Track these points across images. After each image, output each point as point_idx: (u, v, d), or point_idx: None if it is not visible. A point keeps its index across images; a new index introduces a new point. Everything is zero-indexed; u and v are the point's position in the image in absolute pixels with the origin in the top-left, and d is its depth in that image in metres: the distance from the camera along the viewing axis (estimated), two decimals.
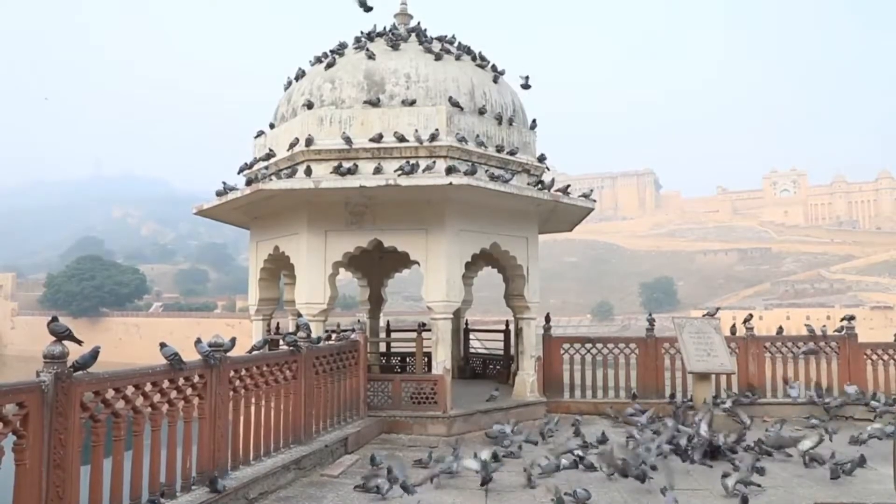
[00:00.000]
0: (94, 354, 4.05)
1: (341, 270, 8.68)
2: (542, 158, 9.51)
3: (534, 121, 9.68)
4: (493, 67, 9.51)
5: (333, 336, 7.95)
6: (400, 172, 7.68)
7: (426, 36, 9.34)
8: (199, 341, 5.17)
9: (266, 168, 8.99)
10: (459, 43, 9.59)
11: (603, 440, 7.46)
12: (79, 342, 4.11)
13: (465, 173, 7.85)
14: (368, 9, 9.36)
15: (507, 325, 10.96)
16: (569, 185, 9.47)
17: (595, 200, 10.06)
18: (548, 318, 10.27)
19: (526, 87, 9.63)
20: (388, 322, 12.77)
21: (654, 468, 5.96)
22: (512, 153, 8.90)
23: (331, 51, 9.28)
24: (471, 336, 12.13)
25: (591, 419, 9.13)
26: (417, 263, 8.42)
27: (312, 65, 9.46)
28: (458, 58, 9.16)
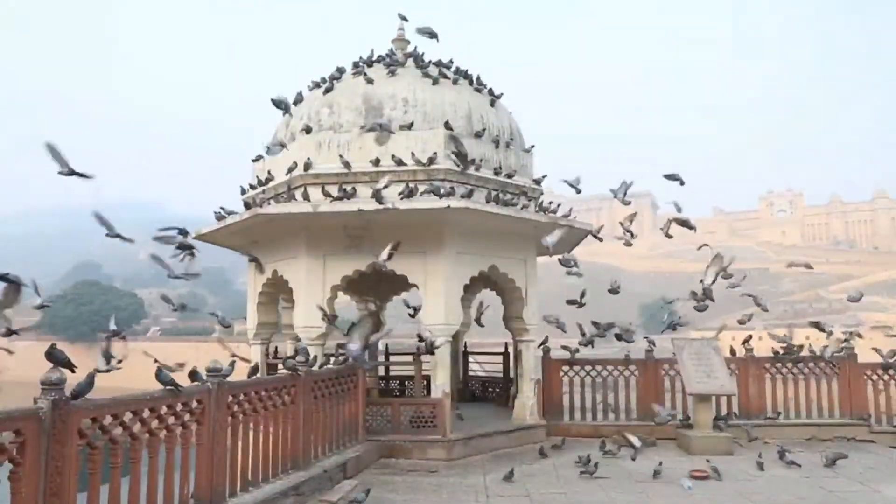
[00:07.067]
0: (90, 381, 4.01)
1: (340, 294, 8.68)
2: (539, 181, 9.55)
3: (532, 146, 9.75)
4: (491, 91, 9.59)
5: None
6: (402, 195, 7.70)
7: (423, 61, 9.43)
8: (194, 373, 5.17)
9: (264, 192, 9.02)
10: (457, 67, 9.66)
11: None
12: (73, 369, 4.08)
13: (463, 196, 7.89)
14: None
15: (506, 348, 10.91)
16: (570, 211, 9.51)
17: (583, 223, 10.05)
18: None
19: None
20: (386, 345, 12.70)
21: None
22: (509, 176, 8.94)
23: (329, 76, 9.36)
24: (470, 359, 12.07)
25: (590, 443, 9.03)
26: (416, 286, 8.42)
27: (311, 90, 9.53)
28: (455, 82, 9.25)
